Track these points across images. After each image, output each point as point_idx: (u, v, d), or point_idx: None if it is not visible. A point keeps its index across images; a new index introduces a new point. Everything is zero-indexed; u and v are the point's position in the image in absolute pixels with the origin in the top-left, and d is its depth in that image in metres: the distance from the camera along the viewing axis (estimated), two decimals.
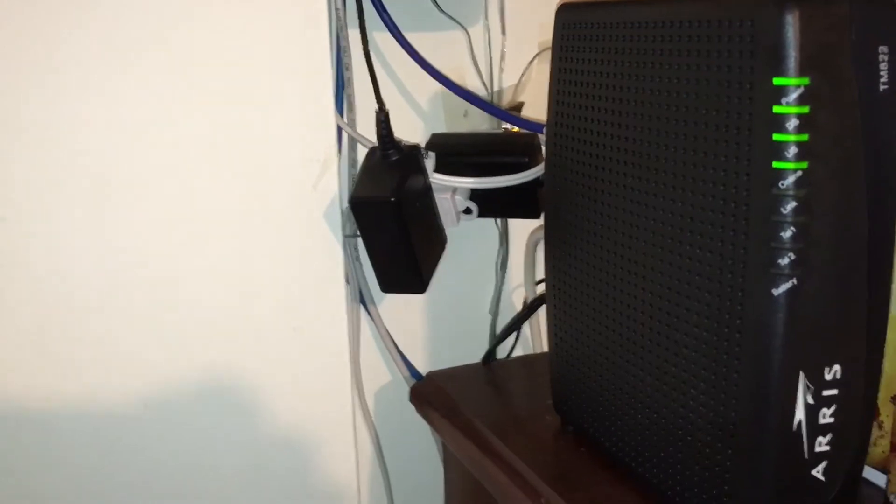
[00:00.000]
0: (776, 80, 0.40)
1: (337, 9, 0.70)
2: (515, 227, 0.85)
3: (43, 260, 0.65)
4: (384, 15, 0.72)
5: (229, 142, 0.68)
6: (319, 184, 0.71)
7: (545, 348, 0.69)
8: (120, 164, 0.66)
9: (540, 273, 0.73)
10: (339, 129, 0.73)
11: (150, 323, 0.69)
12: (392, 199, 0.65)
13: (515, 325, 0.77)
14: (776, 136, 0.40)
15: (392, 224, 0.66)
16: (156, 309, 0.69)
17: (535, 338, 0.84)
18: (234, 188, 0.69)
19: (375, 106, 0.69)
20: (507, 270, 0.86)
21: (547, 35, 0.84)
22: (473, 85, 0.81)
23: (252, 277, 0.71)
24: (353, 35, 0.71)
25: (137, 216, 0.67)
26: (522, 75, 0.82)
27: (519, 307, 0.87)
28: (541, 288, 0.75)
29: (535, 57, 0.82)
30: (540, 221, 0.77)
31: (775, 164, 0.40)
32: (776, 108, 0.40)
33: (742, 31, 0.41)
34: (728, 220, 0.43)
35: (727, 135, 0.43)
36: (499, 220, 0.85)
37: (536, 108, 0.81)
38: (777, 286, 0.41)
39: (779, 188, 0.40)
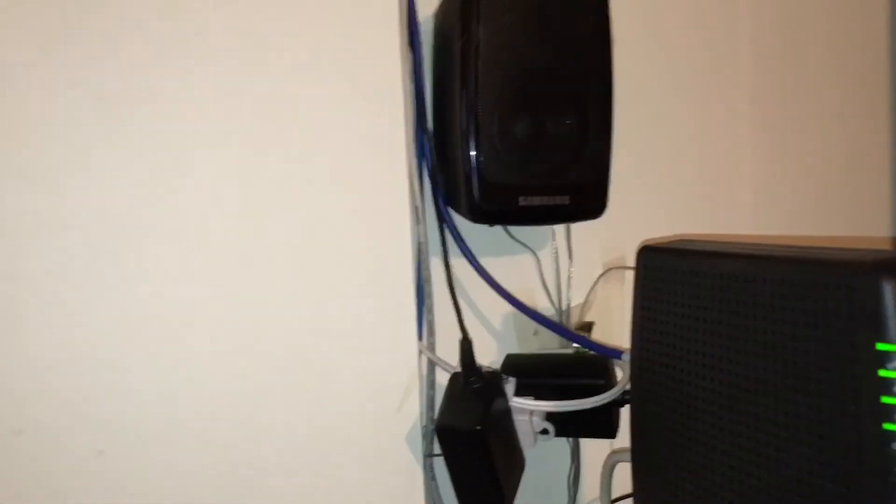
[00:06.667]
0: (879, 346, 0.42)
1: (420, 242, 0.75)
2: (585, 442, 0.86)
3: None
4: (462, 245, 0.77)
5: (314, 374, 0.70)
6: (402, 407, 0.73)
7: None
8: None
9: (615, 493, 0.73)
10: (419, 352, 0.76)
11: None
12: (478, 428, 0.67)
13: None
14: (885, 399, 0.42)
15: (478, 452, 0.67)
16: None
17: None
18: (318, 416, 0.71)
19: (454, 329, 0.72)
20: (580, 486, 0.86)
21: (610, 256, 0.88)
22: (543, 305, 0.84)
23: (340, 501, 0.72)
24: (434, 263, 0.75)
25: None
26: (589, 294, 0.85)
27: None
28: None
29: (599, 277, 0.85)
30: (615, 441, 0.78)
31: (886, 426, 0.42)
32: (882, 372, 0.42)
33: (840, 295, 0.44)
34: (838, 477, 0.44)
35: (831, 390, 0.44)
36: (570, 438, 0.86)
37: (600, 325, 0.84)
38: None
39: (892, 450, 0.42)
